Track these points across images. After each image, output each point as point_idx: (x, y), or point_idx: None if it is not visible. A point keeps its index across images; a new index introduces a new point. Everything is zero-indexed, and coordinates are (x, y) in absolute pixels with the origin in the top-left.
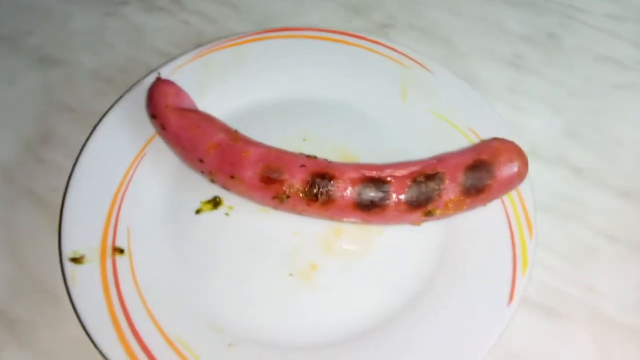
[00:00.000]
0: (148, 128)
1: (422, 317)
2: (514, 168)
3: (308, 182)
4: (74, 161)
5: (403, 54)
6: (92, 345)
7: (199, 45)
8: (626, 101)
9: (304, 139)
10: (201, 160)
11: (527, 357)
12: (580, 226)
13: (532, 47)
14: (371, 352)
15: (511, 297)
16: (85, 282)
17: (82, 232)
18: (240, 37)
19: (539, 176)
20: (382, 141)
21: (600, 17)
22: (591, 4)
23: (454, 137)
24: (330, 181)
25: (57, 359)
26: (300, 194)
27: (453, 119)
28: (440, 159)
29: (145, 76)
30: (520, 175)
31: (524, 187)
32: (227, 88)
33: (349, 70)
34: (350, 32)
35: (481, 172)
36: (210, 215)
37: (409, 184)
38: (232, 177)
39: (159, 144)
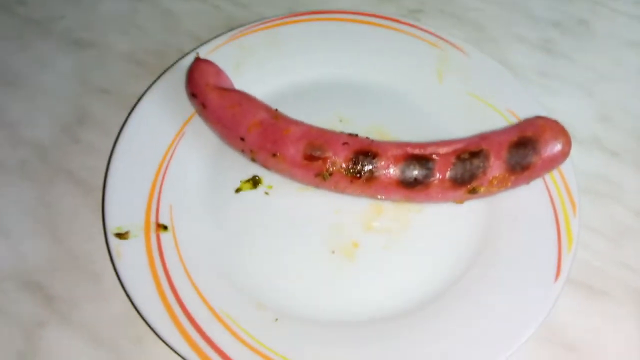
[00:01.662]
0: (186, 108)
1: (467, 295)
2: (558, 145)
3: (351, 159)
4: (110, 141)
5: (437, 36)
6: (132, 322)
7: (230, 29)
8: None
9: (340, 120)
10: (242, 139)
11: (570, 334)
12: (617, 206)
13: (562, 32)
14: (416, 328)
15: (557, 274)
16: (131, 256)
17: (125, 209)
18: (274, 20)
19: (575, 158)
20: (419, 122)
21: (630, 4)
22: None
23: (492, 118)
24: (373, 158)
25: (99, 334)
26: (344, 172)
27: (490, 100)
28: (484, 136)
29: (180, 58)
30: (564, 153)
31: (565, 165)
32: (262, 70)
33: (383, 52)
34: (384, 15)
35: (526, 149)
36: (249, 194)
37: (453, 161)
38: (274, 155)
39: (198, 124)
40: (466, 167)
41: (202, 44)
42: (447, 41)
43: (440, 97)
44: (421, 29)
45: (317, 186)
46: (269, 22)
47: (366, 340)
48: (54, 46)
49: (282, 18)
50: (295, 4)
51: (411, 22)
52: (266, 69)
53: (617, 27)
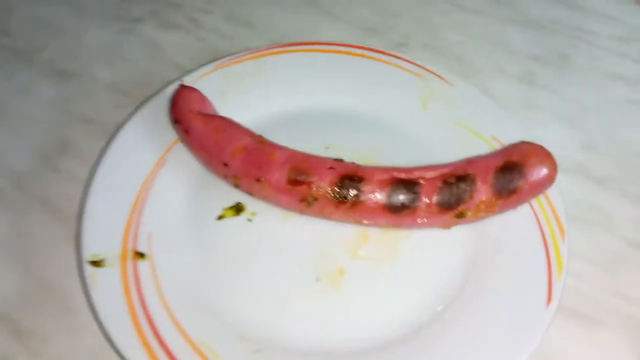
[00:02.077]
0: (169, 136)
1: (456, 323)
2: (544, 170)
3: (337, 183)
4: (90, 170)
5: (421, 67)
6: (107, 356)
7: (215, 59)
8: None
9: (326, 148)
10: (226, 164)
11: None
12: (605, 234)
13: (544, 65)
14: (403, 359)
15: (549, 300)
16: (105, 285)
17: (102, 236)
18: (260, 51)
19: (562, 187)
20: (405, 149)
21: (608, 39)
22: (598, 27)
23: (477, 145)
24: (359, 183)
25: None
26: (329, 196)
27: (475, 128)
28: (470, 161)
29: (164, 87)
30: (551, 178)
31: (552, 190)
32: (248, 99)
33: (369, 82)
34: (369, 47)
35: (512, 173)
36: (232, 221)
37: (439, 185)
38: (258, 180)
39: (180, 151)
40: (453, 191)
41: (186, 73)
42: (430, 71)
43: (426, 125)
44: (405, 60)
45: (302, 212)
46: (254, 52)
47: None
48: (37, 76)
49: (267, 49)
50: (281, 38)
51: (396, 53)
52: (251, 97)
53: (597, 60)
